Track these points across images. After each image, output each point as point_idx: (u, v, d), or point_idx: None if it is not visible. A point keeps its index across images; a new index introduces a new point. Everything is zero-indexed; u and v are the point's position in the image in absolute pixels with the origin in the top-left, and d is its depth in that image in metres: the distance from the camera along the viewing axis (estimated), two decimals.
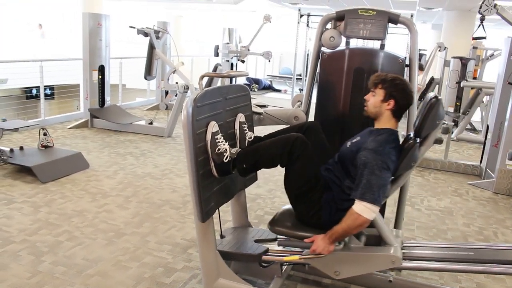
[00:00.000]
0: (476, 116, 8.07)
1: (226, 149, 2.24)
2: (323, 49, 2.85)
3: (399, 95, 2.22)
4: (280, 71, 17.03)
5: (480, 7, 4.34)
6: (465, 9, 9.23)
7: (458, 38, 9.36)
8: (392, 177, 2.25)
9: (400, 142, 2.26)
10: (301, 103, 2.99)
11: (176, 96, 6.57)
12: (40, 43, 14.69)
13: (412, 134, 2.29)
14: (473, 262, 2.23)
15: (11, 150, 4.68)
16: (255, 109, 2.85)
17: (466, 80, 7.31)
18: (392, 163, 2.13)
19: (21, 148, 4.81)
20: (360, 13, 2.68)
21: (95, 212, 3.66)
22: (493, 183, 4.91)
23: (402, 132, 2.84)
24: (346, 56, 2.80)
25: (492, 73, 7.10)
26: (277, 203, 4.12)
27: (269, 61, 9.26)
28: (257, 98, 9.78)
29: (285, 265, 2.63)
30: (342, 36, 2.78)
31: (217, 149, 2.23)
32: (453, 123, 7.40)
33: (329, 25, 2.81)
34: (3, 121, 5.83)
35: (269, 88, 13.55)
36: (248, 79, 12.90)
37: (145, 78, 6.86)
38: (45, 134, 4.87)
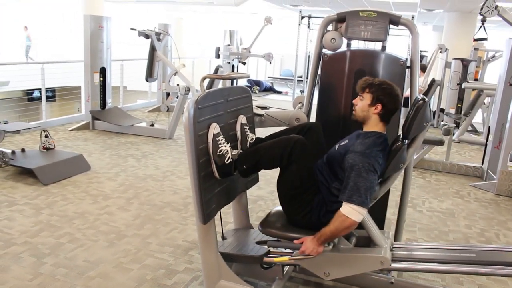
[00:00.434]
0: (477, 118, 8.07)
1: (227, 151, 2.24)
2: (324, 50, 2.85)
3: (386, 99, 2.22)
4: (281, 73, 17.07)
5: (481, 9, 4.34)
6: (466, 10, 9.23)
7: (459, 40, 9.36)
8: (381, 179, 2.27)
9: None
10: (302, 104, 2.99)
11: (177, 98, 6.58)
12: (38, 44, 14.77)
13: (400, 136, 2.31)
14: (475, 264, 2.22)
15: (13, 152, 4.68)
16: (257, 110, 2.86)
17: (468, 82, 7.32)
18: (379, 165, 2.14)
19: (23, 150, 4.81)
20: (361, 15, 2.68)
21: (96, 214, 3.66)
22: (494, 185, 4.91)
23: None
24: (347, 57, 2.80)
25: (494, 75, 7.10)
26: (278, 204, 4.10)
27: (270, 63, 9.28)
28: (258, 100, 9.78)
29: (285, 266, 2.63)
30: (343, 38, 2.78)
31: (218, 150, 2.23)
32: (455, 125, 7.39)
33: (330, 27, 2.81)
34: (5, 123, 5.84)
35: (270, 90, 13.57)
36: (249, 81, 12.91)
37: (146, 80, 6.88)
38: (46, 136, 4.88)
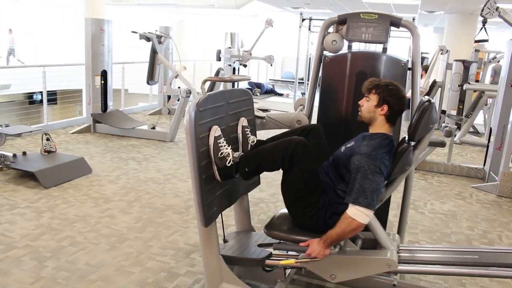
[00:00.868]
0: (479, 119, 8.05)
1: (228, 153, 2.24)
2: (325, 53, 2.86)
3: (393, 100, 2.22)
4: (282, 75, 17.07)
5: (482, 10, 4.34)
6: (467, 12, 9.23)
7: (460, 41, 9.36)
8: (387, 181, 2.26)
9: None
10: (304, 107, 2.99)
11: (178, 100, 6.58)
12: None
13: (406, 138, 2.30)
14: (477, 265, 2.21)
15: (14, 156, 4.68)
16: (258, 113, 2.86)
17: (469, 83, 7.30)
18: (385, 167, 2.14)
19: (24, 153, 4.81)
20: (362, 17, 2.69)
21: (97, 217, 3.66)
22: (496, 186, 4.89)
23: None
24: (348, 59, 2.80)
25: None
26: (279, 207, 4.09)
27: (271, 65, 9.27)
28: (260, 102, 9.79)
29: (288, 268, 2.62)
30: (344, 40, 2.78)
31: (219, 153, 2.23)
32: (456, 126, 7.37)
33: (331, 29, 2.81)
34: (6, 126, 5.84)
35: (271, 92, 13.57)
36: (250, 83, 12.92)
37: (148, 83, 6.88)
38: (47, 139, 4.88)
